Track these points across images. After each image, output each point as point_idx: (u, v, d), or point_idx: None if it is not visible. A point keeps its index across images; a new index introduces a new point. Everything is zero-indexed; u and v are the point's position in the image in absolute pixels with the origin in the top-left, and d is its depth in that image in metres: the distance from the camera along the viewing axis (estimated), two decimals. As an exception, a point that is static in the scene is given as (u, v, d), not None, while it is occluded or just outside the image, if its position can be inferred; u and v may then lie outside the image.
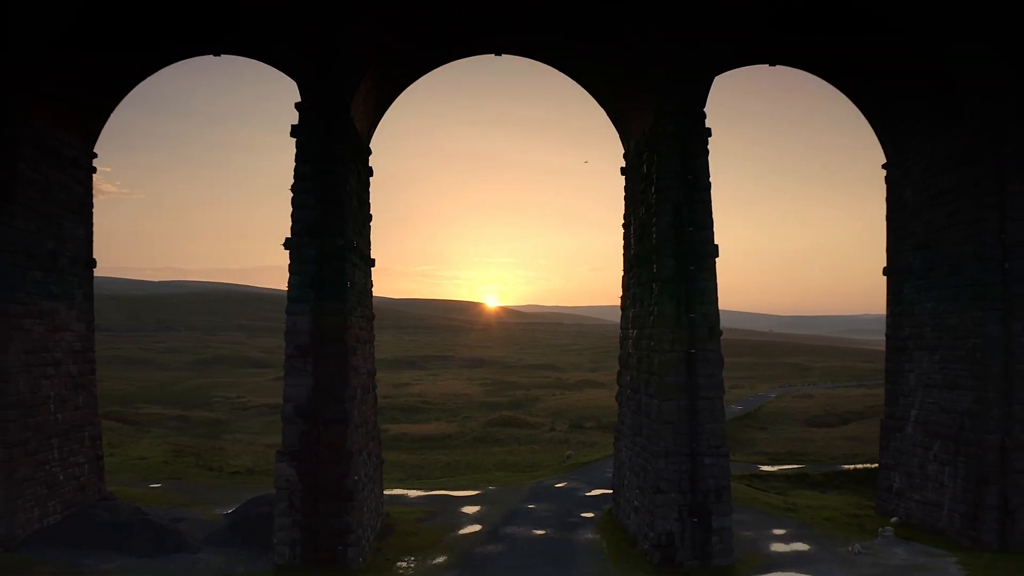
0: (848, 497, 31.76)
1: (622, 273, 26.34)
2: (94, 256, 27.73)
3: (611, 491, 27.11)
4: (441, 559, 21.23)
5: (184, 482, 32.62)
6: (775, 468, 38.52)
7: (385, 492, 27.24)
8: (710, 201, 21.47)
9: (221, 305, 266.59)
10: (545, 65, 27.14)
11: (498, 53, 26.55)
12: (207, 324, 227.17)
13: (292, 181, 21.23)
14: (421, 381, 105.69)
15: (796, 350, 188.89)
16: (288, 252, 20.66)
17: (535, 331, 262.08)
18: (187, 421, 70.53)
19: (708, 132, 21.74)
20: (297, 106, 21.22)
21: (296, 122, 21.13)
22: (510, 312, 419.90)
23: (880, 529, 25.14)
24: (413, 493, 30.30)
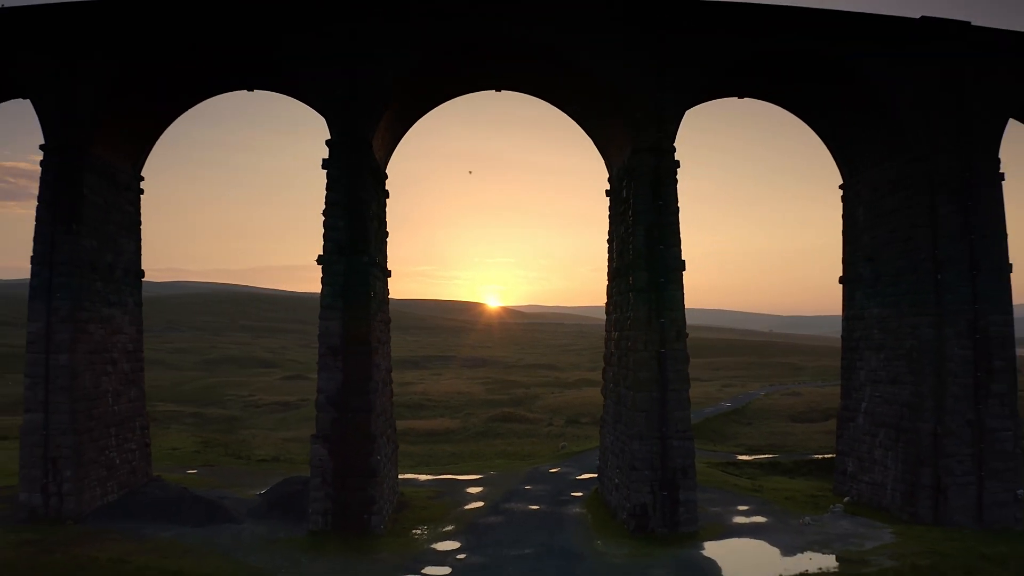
0: (812, 482, 35.45)
1: (607, 282, 30.01)
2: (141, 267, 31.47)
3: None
4: (449, 527, 24.94)
5: (217, 468, 36.34)
6: (751, 457, 42.20)
7: (399, 476, 30.89)
8: (678, 224, 25.17)
9: (225, 306, 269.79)
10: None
11: (498, 89, 30.23)
12: (213, 325, 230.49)
13: (313, 199, 24.96)
14: (424, 380, 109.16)
15: (792, 350, 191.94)
16: (321, 267, 24.40)
17: (536, 331, 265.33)
18: (203, 418, 74.24)
19: (676, 164, 25.44)
20: (327, 142, 24.94)
21: (326, 156, 24.87)
22: (511, 312, 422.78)
23: (831, 506, 28.84)
24: (423, 477, 34.09)
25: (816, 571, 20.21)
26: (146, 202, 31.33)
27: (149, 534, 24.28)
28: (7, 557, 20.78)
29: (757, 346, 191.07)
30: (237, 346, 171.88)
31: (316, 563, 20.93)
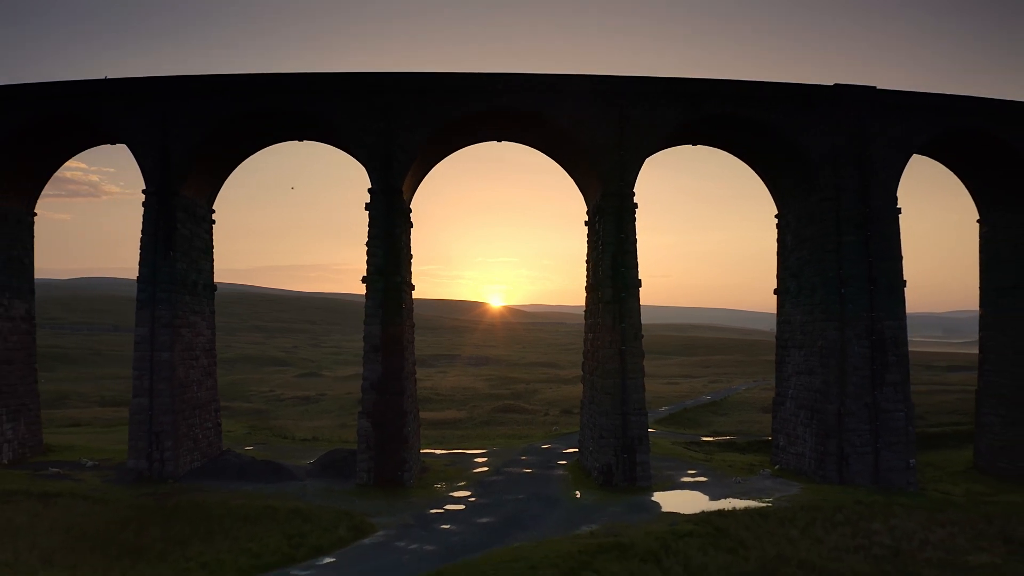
0: (757, 456, 43.07)
1: (585, 294, 37.65)
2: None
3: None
4: (462, 483, 32.67)
5: (268, 445, 44.11)
6: (713, 439, 49.86)
7: (420, 450, 38.58)
8: (635, 251, 32.85)
9: (236, 306, 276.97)
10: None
11: (499, 140, 37.94)
12: (227, 326, 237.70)
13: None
14: (431, 377, 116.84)
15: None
16: (365, 285, 32.13)
17: (538, 331, 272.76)
18: (233, 411, 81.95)
19: (635, 206, 33.12)
20: (369, 191, 32.66)
21: (368, 200, 32.60)
22: (514, 312, 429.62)
23: (761, 471, 36.51)
24: (439, 451, 41.88)
25: (729, 508, 27.80)
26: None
27: (234, 488, 31.99)
28: (141, 503, 28.48)
29: (750, 345, 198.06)
30: (253, 345, 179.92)
31: (365, 503, 28.64)
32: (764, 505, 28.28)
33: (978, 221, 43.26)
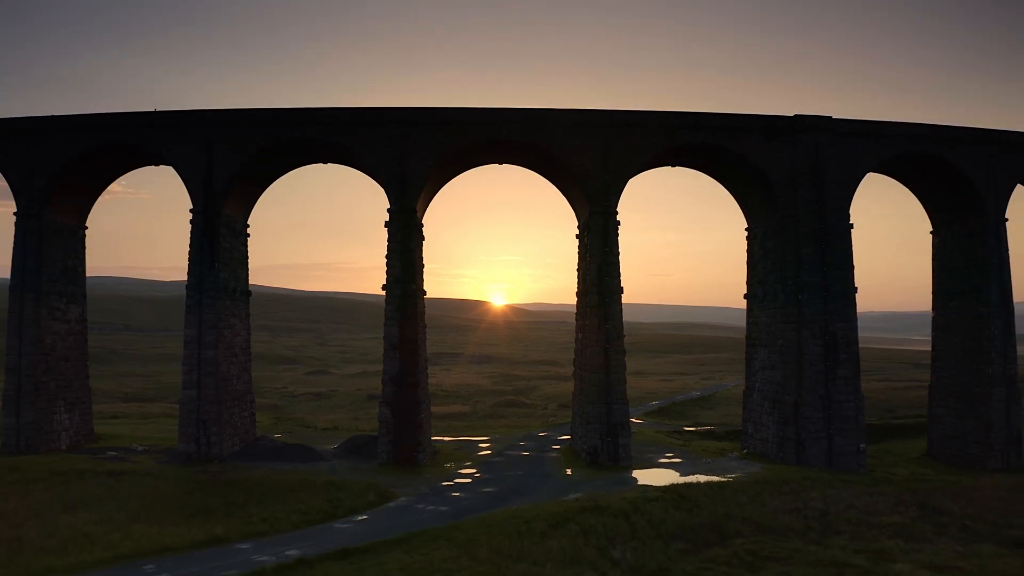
0: (731, 443, 48.07)
1: (576, 299, 42.72)
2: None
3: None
4: (469, 463, 37.79)
5: (294, 433, 49.22)
6: (694, 428, 54.92)
7: (431, 437, 43.67)
8: (618, 263, 37.92)
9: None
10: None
11: (500, 163, 42.99)
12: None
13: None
14: (435, 375, 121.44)
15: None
16: (385, 292, 37.22)
17: (540, 329, 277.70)
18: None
19: (618, 223, 38.18)
20: (388, 210, 37.75)
21: (387, 219, 37.72)
22: (516, 310, 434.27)
23: (730, 454, 41.56)
24: (447, 438, 47.01)
25: (695, 481, 32.83)
26: (152, 201, 45.71)
27: (272, 466, 37.10)
28: (198, 478, 33.59)
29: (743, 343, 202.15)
30: (261, 344, 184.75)
31: (387, 477, 33.75)
32: (725, 480, 33.30)
33: (931, 232, 48.25)
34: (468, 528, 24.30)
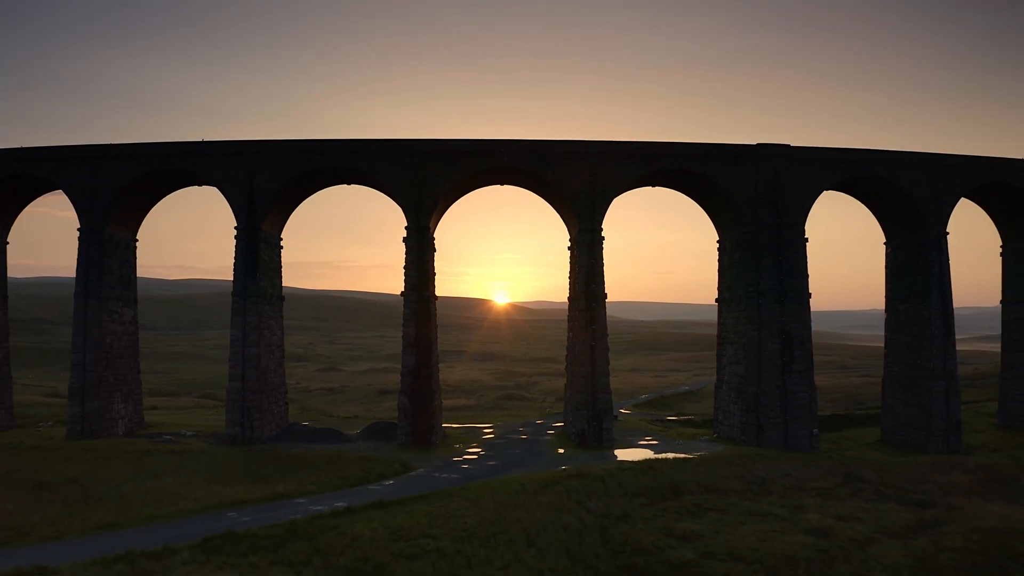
0: (706, 430, 54.39)
1: (568, 303, 49.03)
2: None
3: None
4: (475, 444, 44.21)
5: (319, 421, 55.64)
6: (676, 417, 61.24)
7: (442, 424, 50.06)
8: (603, 273, 44.26)
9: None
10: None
11: (502, 184, 49.32)
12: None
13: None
14: (440, 372, 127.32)
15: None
16: (403, 297, 43.61)
17: (543, 327, 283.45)
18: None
19: (602, 238, 44.50)
20: (406, 228, 44.12)
21: (405, 235, 44.11)
22: (519, 309, 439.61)
23: (701, 437, 47.88)
24: (455, 425, 53.44)
25: (665, 457, 39.10)
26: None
27: (307, 446, 43.49)
28: (247, 455, 39.97)
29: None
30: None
31: (407, 454, 40.15)
32: (690, 456, 39.64)
33: (884, 243, 54.48)
34: (475, 489, 30.68)
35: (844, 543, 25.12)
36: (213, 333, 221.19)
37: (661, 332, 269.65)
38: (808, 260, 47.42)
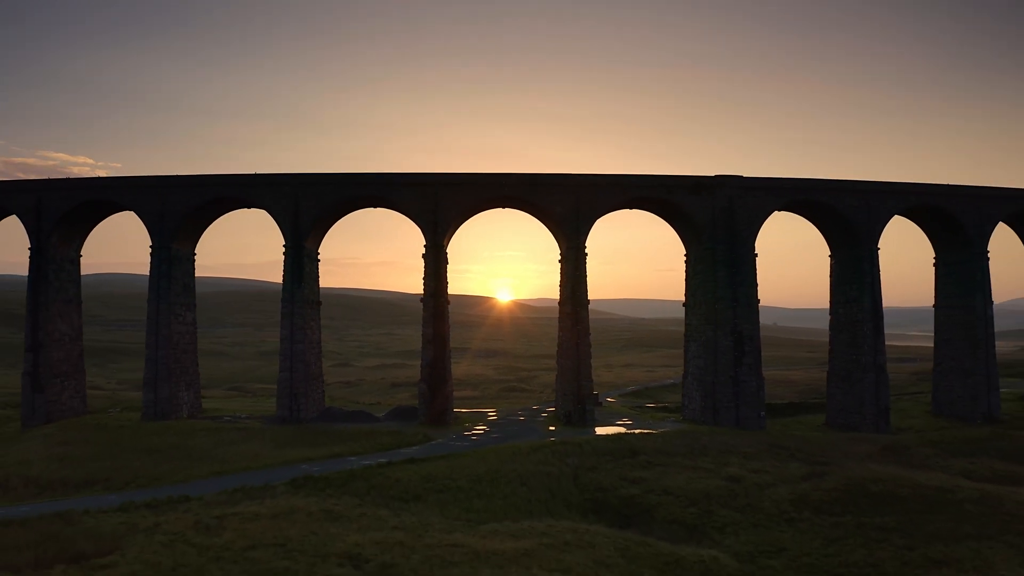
0: (677, 414, 64.12)
1: (559, 307, 58.75)
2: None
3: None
4: (481, 423, 54.11)
5: (349, 406, 65.48)
6: (654, 405, 71.02)
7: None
8: (586, 283, 54.04)
9: (260, 303, 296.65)
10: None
11: (503, 208, 59.10)
12: (254, 321, 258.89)
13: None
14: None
15: (768, 342, 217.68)
16: (422, 303, 53.40)
17: (545, 325, 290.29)
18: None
19: (586, 254, 54.27)
20: (425, 246, 53.91)
21: (424, 252, 53.91)
22: (522, 306, 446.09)
23: (669, 419, 57.66)
24: (464, 410, 63.33)
25: (633, 432, 48.71)
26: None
27: (344, 425, 53.29)
28: (300, 430, 49.74)
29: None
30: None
31: (427, 430, 49.95)
32: (655, 432, 49.39)
33: (829, 256, 64.10)
34: (482, 451, 40.52)
35: (749, 486, 34.91)
36: (227, 331, 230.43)
37: (658, 330, 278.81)
38: (758, 271, 57.16)
